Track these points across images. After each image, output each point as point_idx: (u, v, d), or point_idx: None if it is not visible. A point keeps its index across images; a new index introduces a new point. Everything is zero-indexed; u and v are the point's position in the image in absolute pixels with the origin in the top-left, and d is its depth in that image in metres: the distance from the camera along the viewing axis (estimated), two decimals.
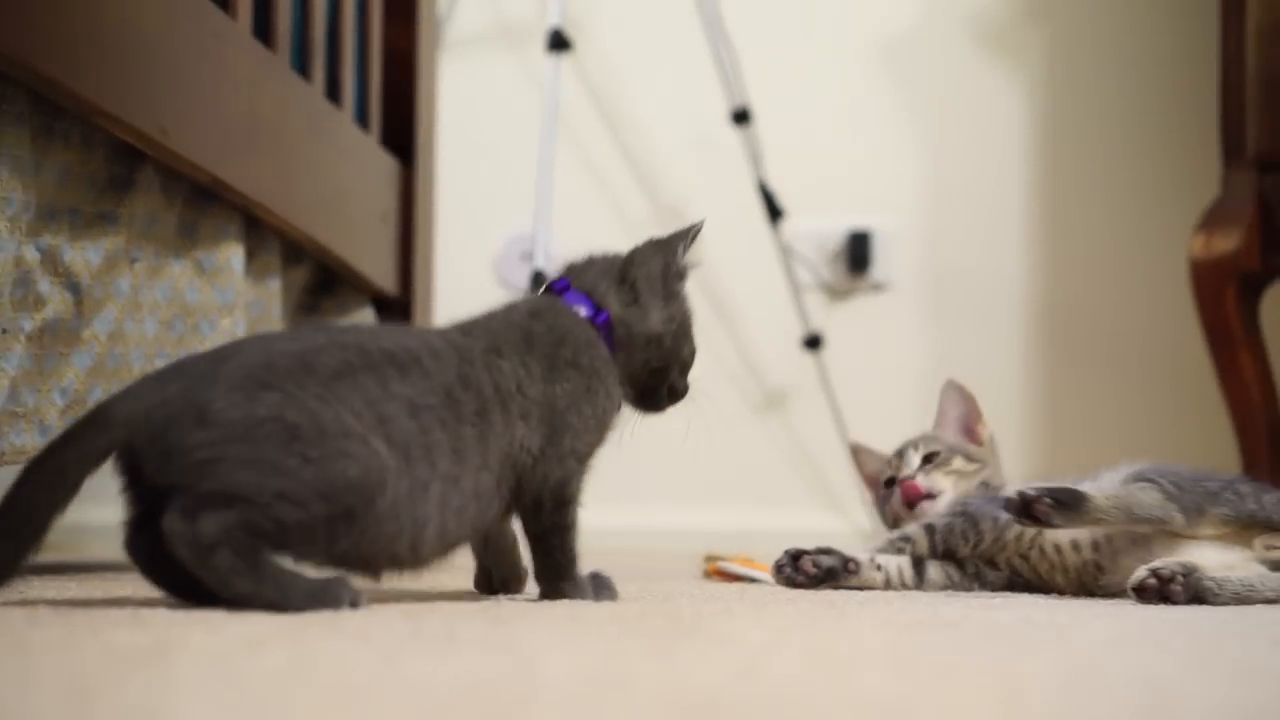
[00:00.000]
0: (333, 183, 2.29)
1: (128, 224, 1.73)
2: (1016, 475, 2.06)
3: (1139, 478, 1.76)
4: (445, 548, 1.39)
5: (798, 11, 3.50)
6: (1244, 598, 1.64)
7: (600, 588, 1.51)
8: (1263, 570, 1.68)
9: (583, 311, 1.53)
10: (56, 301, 1.62)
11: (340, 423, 1.26)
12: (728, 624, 1.29)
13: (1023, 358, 3.41)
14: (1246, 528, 1.74)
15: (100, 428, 1.23)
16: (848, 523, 3.27)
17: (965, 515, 1.84)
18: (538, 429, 1.44)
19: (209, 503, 1.20)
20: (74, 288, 1.65)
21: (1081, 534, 1.80)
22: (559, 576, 1.49)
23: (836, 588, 1.82)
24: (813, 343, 3.34)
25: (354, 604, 1.25)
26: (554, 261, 2.73)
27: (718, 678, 0.91)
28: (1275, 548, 1.73)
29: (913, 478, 1.95)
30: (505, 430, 1.41)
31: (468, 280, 3.35)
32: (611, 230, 2.96)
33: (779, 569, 1.85)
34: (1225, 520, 1.73)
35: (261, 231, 2.09)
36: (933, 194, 3.46)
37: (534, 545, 1.49)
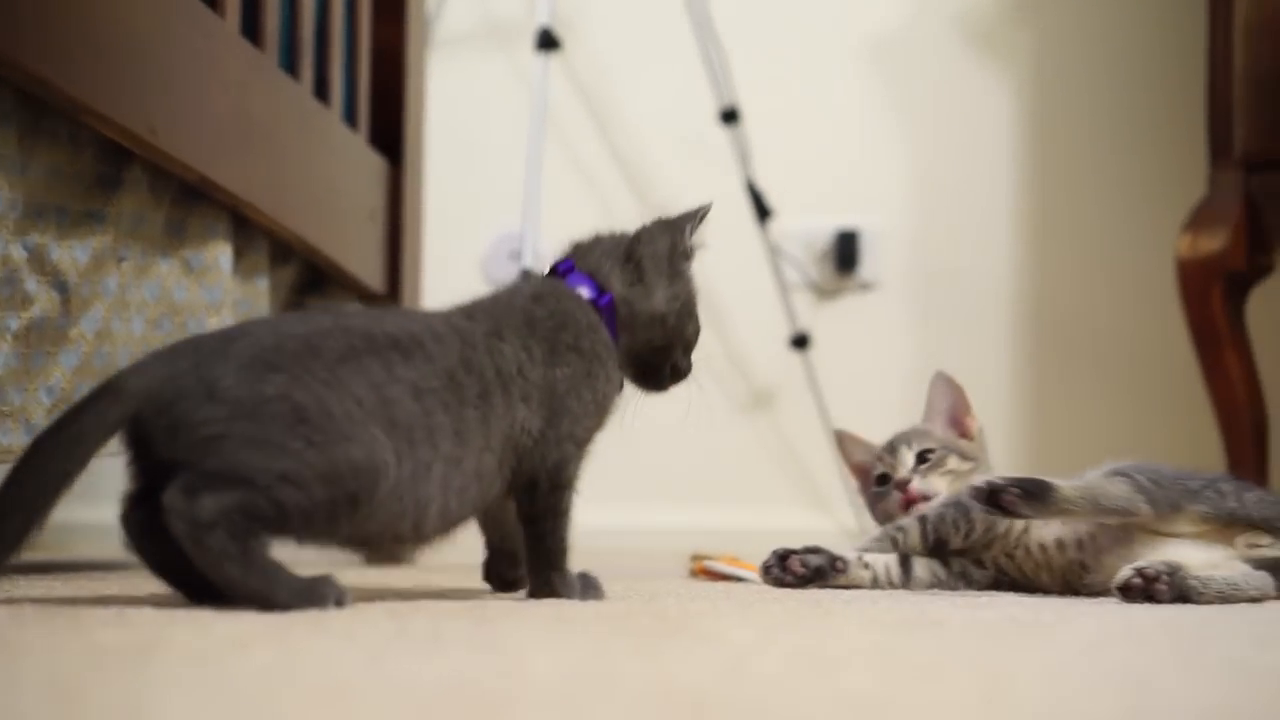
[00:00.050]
0: (321, 181, 2.29)
1: (115, 223, 1.73)
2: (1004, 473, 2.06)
3: (1116, 472, 1.76)
4: (447, 526, 1.42)
5: (786, 12, 3.50)
6: (1228, 596, 1.64)
7: (587, 587, 1.52)
8: (1246, 569, 1.69)
9: (585, 293, 1.55)
10: (43, 300, 1.62)
11: (344, 407, 1.27)
12: (713, 623, 1.29)
13: (1010, 357, 3.42)
14: (1228, 526, 1.75)
15: (113, 398, 1.24)
16: (834, 522, 3.27)
17: (958, 505, 1.85)
18: (538, 411, 1.45)
19: (211, 483, 1.21)
20: (61, 286, 1.65)
21: (1066, 533, 1.80)
22: (549, 565, 1.49)
23: (824, 587, 1.82)
24: (800, 342, 3.34)
25: (340, 603, 1.25)
26: (542, 261, 2.73)
27: (703, 677, 0.91)
28: (1257, 546, 1.74)
29: (909, 481, 1.95)
30: (507, 412, 1.42)
31: (455, 279, 3.33)
32: (600, 230, 2.95)
33: (766, 570, 1.85)
34: (1205, 518, 1.74)
35: (249, 230, 2.08)
36: (920, 194, 3.47)
37: (527, 529, 1.50)
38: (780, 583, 1.82)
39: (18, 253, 1.58)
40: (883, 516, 1.97)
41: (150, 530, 1.25)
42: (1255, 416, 2.65)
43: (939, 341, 3.40)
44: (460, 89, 3.45)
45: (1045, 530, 1.82)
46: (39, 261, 1.61)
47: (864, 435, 2.06)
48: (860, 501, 2.11)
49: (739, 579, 2.05)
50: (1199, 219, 2.68)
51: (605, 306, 1.55)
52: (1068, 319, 3.41)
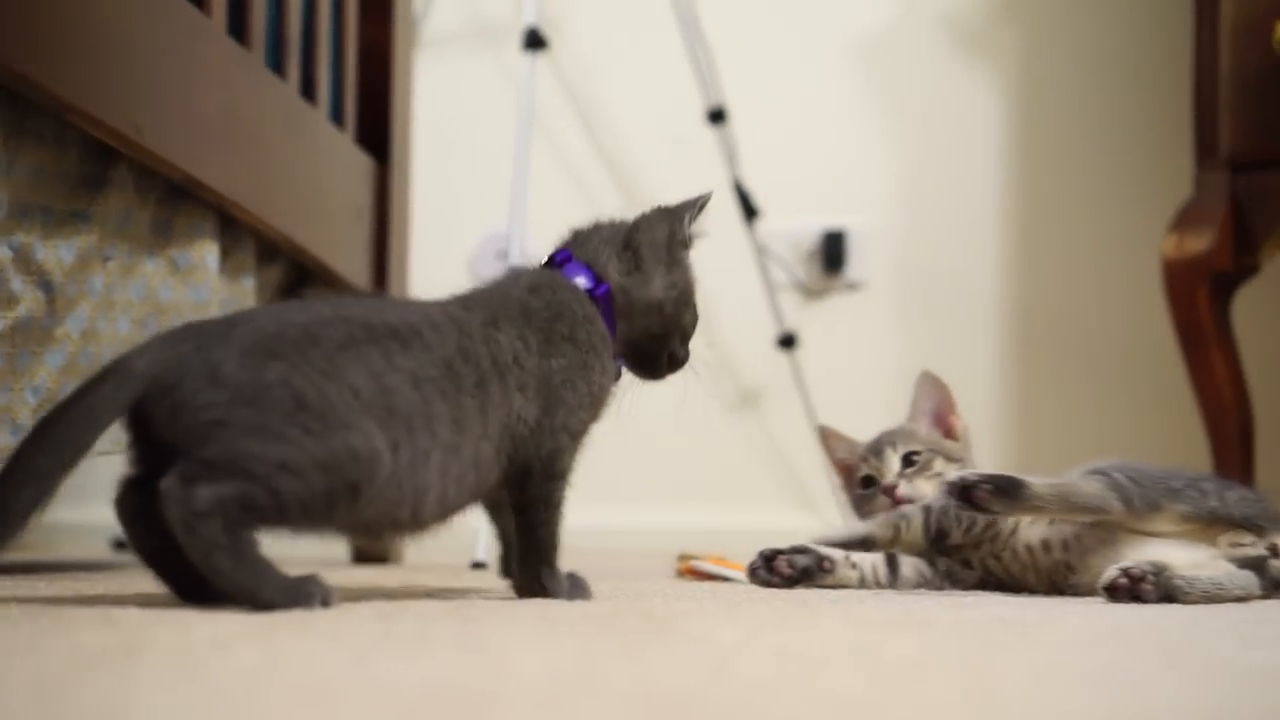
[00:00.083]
0: (308, 181, 2.29)
1: (101, 222, 1.73)
2: None
3: (1094, 471, 1.77)
4: (446, 513, 1.43)
5: (773, 11, 3.50)
6: (1213, 596, 1.65)
7: (574, 587, 1.52)
8: (1231, 568, 1.69)
9: (582, 283, 1.55)
10: (29, 300, 1.62)
11: (344, 396, 1.28)
12: (700, 623, 1.29)
13: (997, 357, 3.42)
14: (1210, 525, 1.75)
15: (121, 378, 1.25)
16: (821, 521, 3.27)
17: None
18: (534, 400, 1.47)
19: (209, 472, 1.21)
20: (46, 286, 1.64)
21: (1052, 534, 1.80)
22: (540, 559, 1.50)
23: (811, 587, 1.82)
24: (787, 342, 3.34)
25: (326, 603, 1.25)
26: (529, 260, 2.73)
27: (688, 677, 0.91)
28: (1240, 545, 1.74)
29: (896, 486, 1.95)
30: (503, 401, 1.43)
31: (442, 279, 3.32)
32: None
33: (753, 571, 1.85)
34: (1186, 517, 1.75)
35: (236, 230, 2.08)
36: (907, 194, 3.47)
37: (519, 518, 1.50)
38: (767, 584, 1.83)
39: (3, 252, 1.57)
40: (867, 517, 1.97)
41: (143, 517, 1.27)
42: (1241, 417, 2.65)
43: (926, 341, 3.40)
44: (447, 88, 3.45)
45: (1032, 531, 1.82)
46: (24, 261, 1.61)
47: (849, 433, 2.06)
48: (846, 499, 2.11)
49: (726, 579, 2.05)
50: (1185, 219, 2.69)
51: (602, 296, 1.56)
52: (1054, 319, 3.41)
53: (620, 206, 3.43)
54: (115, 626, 1.08)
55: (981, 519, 1.83)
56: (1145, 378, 3.30)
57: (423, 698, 0.80)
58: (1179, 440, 2.93)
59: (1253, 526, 1.75)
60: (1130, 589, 1.63)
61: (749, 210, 3.27)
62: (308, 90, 2.34)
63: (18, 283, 1.60)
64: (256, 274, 2.19)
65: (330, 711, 0.75)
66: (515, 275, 1.58)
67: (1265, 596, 1.72)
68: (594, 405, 1.53)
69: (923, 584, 1.86)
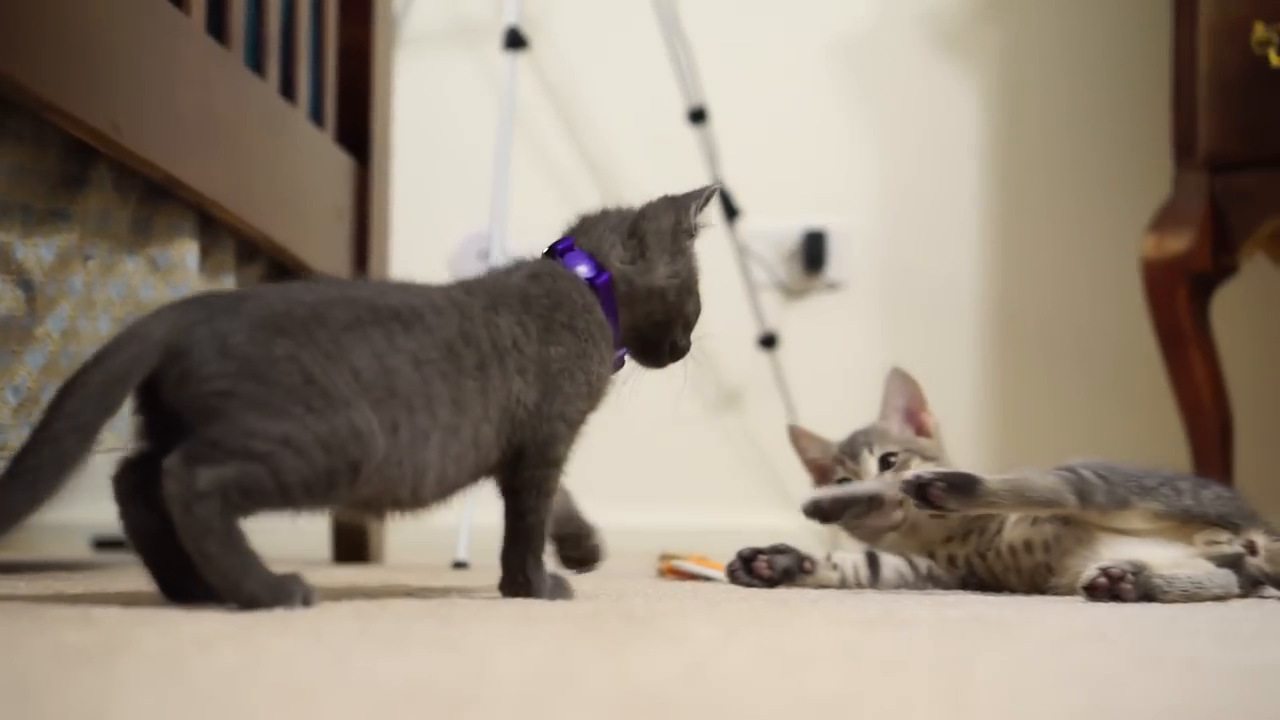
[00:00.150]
0: (287, 180, 2.29)
1: (81, 221, 1.72)
2: None
3: (1063, 468, 1.77)
4: (445, 493, 1.44)
5: (754, 11, 3.51)
6: (1193, 595, 1.65)
7: (556, 587, 1.52)
8: (1210, 567, 1.70)
9: (583, 272, 1.56)
10: (8, 299, 1.61)
11: (346, 376, 1.29)
12: (680, 622, 1.29)
13: (977, 356, 3.42)
14: (1185, 523, 1.76)
15: (141, 343, 1.25)
16: (801, 521, 3.27)
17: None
18: (534, 385, 1.48)
19: (213, 454, 1.22)
20: (26, 285, 1.64)
21: (1034, 535, 1.81)
22: (526, 549, 1.50)
23: (792, 587, 1.83)
24: (768, 342, 3.34)
25: (307, 602, 1.25)
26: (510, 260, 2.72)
27: (667, 676, 0.91)
28: (1216, 543, 1.75)
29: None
30: (503, 384, 1.45)
31: (423, 279, 3.33)
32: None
33: (732, 574, 1.85)
34: (1158, 514, 1.75)
35: (216, 229, 2.08)
36: (888, 193, 3.47)
37: (508, 503, 1.51)
38: (748, 585, 1.83)
39: None
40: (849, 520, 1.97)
41: (140, 496, 1.28)
42: (1220, 416, 2.66)
43: (907, 341, 3.40)
44: (428, 88, 3.44)
45: (1014, 532, 1.83)
46: (3, 260, 1.60)
47: (820, 432, 2.06)
48: None
49: (707, 578, 2.05)
50: (1164, 219, 2.70)
51: (603, 285, 1.56)
52: (1035, 318, 3.42)
53: (601, 206, 3.44)
54: (96, 626, 1.08)
55: None
56: (1125, 377, 3.31)
57: (402, 697, 0.80)
58: (1159, 439, 2.94)
59: (1228, 524, 1.76)
60: (1109, 588, 1.63)
61: (730, 210, 3.27)
62: (287, 89, 2.34)
63: None
64: (236, 273, 2.18)
65: (310, 711, 0.76)
66: (516, 264, 1.59)
67: (1244, 595, 1.73)
68: (592, 395, 1.54)
69: (904, 585, 1.86)
